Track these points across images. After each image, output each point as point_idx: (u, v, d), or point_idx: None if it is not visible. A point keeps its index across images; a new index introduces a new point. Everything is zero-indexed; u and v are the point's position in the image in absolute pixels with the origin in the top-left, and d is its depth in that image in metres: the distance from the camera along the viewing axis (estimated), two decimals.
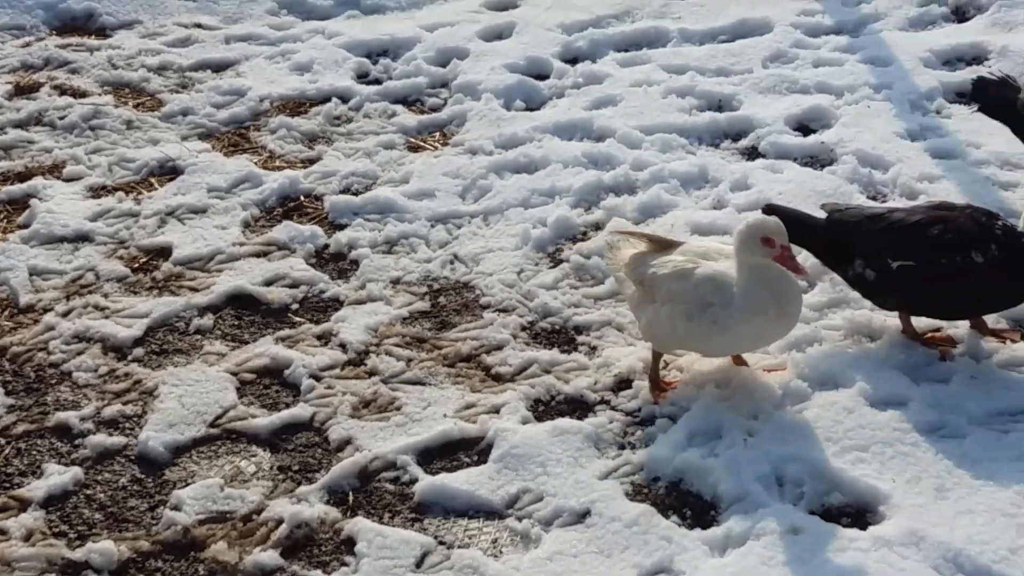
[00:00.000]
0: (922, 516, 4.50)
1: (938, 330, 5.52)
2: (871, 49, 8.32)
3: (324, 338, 5.84)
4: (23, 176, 7.34)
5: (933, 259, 5.18)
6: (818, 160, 7.12)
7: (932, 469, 4.73)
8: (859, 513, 4.64)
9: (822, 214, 5.55)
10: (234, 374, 5.60)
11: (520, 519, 4.71)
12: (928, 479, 4.69)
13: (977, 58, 8.13)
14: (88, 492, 4.99)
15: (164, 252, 6.57)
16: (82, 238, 6.69)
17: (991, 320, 5.54)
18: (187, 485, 4.96)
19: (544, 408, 5.33)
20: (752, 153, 7.28)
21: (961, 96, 7.48)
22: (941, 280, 5.17)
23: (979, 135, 7.08)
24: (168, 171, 7.39)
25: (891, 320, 5.57)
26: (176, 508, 4.84)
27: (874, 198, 6.63)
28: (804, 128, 7.49)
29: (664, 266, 5.13)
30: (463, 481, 4.90)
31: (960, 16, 8.79)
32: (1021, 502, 4.54)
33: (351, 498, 4.89)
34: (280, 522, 4.74)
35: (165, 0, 9.65)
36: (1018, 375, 5.24)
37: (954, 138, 7.16)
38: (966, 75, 7.73)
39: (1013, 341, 5.44)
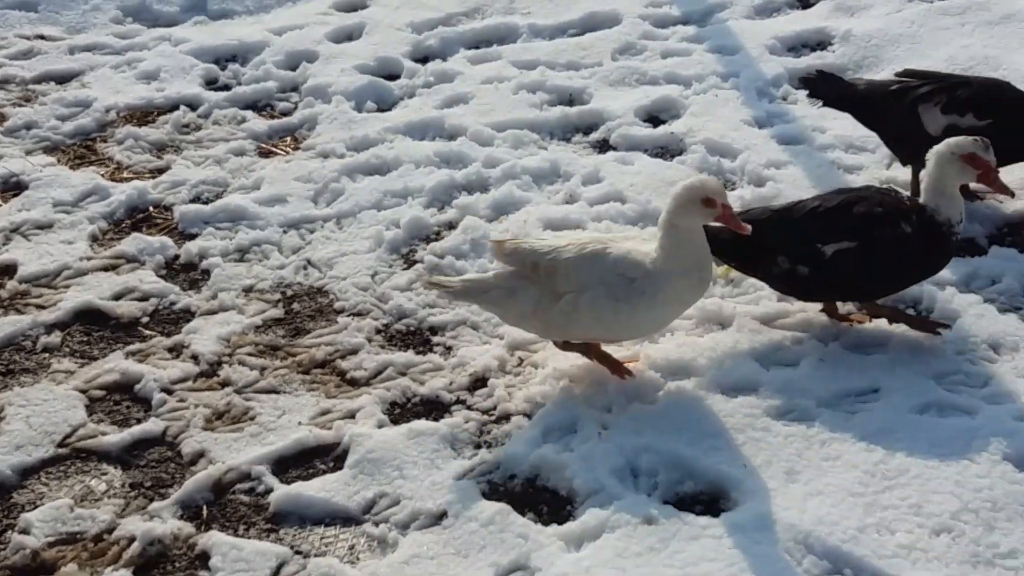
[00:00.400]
0: (773, 500, 4.55)
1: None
2: (718, 38, 8.40)
3: (175, 350, 5.76)
4: None
5: (868, 235, 5.18)
6: (668, 151, 7.17)
7: (782, 453, 4.79)
8: (712, 500, 4.69)
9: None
10: (83, 391, 5.50)
11: (377, 524, 4.69)
12: (779, 463, 4.75)
13: (821, 43, 8.24)
14: None
15: (9, 270, 6.42)
16: None
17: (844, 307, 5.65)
18: (36, 507, 4.86)
19: (400, 411, 5.31)
20: (603, 146, 7.32)
21: None
22: (880, 255, 5.18)
23: (824, 120, 7.17)
24: (12, 187, 7.22)
25: (741, 307, 5.63)
26: (24, 532, 4.74)
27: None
28: (654, 119, 7.55)
29: (561, 252, 5.04)
30: (319, 489, 4.86)
31: (804, 2, 8.91)
32: (868, 481, 4.62)
33: (205, 512, 4.82)
34: (132, 540, 4.66)
35: (5, 12, 9.44)
36: (864, 356, 5.33)
37: (800, 124, 7.26)
38: (811, 61, 7.87)
39: (860, 323, 5.53)
